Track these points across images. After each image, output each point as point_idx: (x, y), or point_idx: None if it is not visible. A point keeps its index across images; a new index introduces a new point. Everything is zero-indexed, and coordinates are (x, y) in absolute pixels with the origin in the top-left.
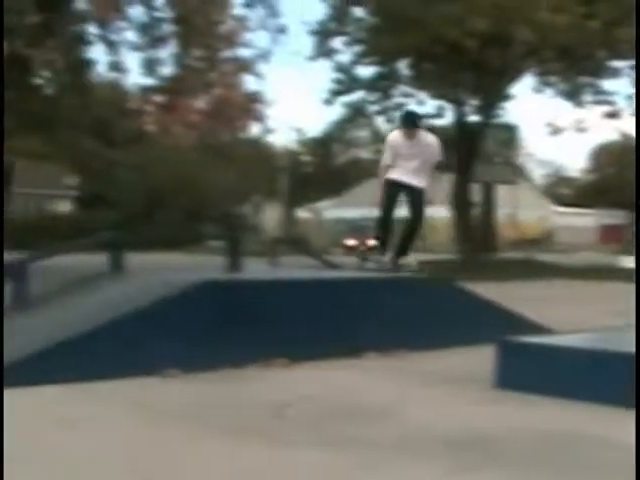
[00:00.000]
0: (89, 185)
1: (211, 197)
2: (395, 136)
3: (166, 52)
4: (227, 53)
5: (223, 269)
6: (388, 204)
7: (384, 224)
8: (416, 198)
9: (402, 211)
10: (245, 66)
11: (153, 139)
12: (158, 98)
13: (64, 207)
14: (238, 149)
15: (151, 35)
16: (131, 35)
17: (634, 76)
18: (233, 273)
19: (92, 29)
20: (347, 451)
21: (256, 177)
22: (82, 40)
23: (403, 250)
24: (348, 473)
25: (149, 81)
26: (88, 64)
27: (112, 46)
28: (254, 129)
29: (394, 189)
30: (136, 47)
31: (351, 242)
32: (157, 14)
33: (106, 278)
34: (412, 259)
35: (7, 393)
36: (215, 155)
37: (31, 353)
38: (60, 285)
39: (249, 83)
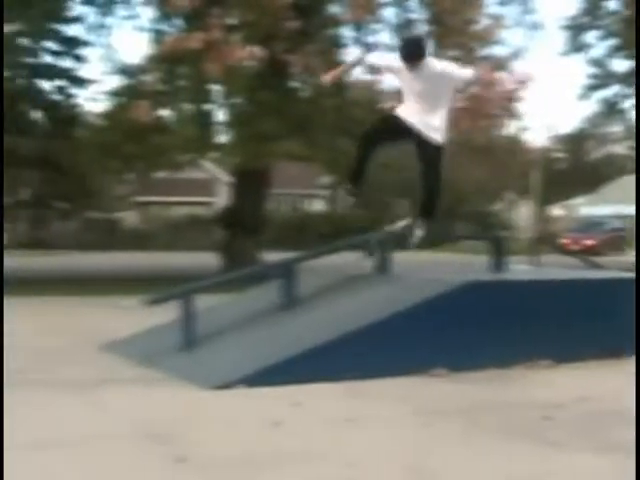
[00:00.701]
0: (343, 184)
1: (464, 195)
2: (400, 65)
3: None
4: (482, 52)
5: (487, 269)
6: (376, 133)
7: (361, 156)
8: (430, 156)
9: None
10: (500, 64)
11: None
12: None
13: (318, 206)
14: (492, 146)
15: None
16: (386, 36)
17: None
18: (497, 273)
19: (347, 32)
20: (617, 456)
21: (510, 174)
22: (337, 43)
23: (424, 216)
24: None
25: None
26: None
27: (368, 48)
28: (509, 126)
29: (393, 124)
30: (391, 48)
31: (565, 240)
32: (411, 15)
33: (372, 278)
34: (419, 233)
35: (276, 390)
36: (470, 153)
37: (299, 352)
38: (327, 285)
39: (504, 80)
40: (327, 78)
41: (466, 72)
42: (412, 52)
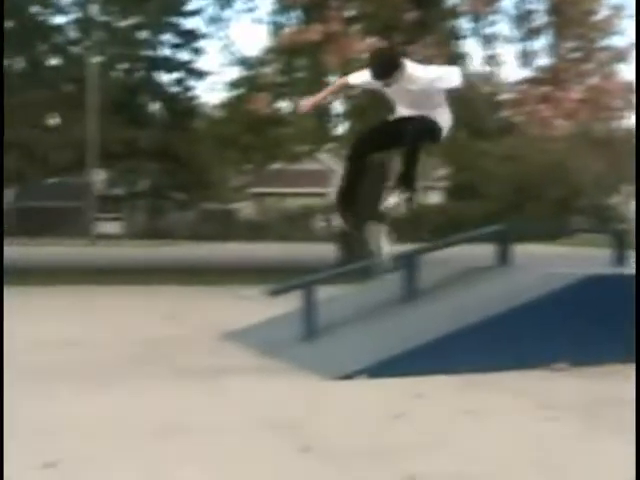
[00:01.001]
0: (460, 176)
1: (581, 188)
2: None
3: (540, 43)
4: (602, 42)
5: (608, 263)
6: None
7: (353, 174)
8: (415, 122)
9: None
10: (621, 55)
11: (524, 130)
12: (532, 89)
13: (435, 198)
14: (611, 138)
15: (525, 27)
16: (504, 28)
17: None
18: (619, 267)
19: (465, 24)
20: None
21: (627, 167)
22: (456, 35)
23: (403, 183)
24: None
25: (523, 73)
26: (462, 58)
27: (486, 39)
28: (628, 118)
29: (389, 127)
30: (510, 40)
31: None
32: (530, 6)
33: (493, 270)
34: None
35: (397, 381)
36: (587, 145)
37: (421, 344)
38: (448, 277)
39: (625, 72)
40: (307, 105)
41: (452, 80)
42: (378, 71)
